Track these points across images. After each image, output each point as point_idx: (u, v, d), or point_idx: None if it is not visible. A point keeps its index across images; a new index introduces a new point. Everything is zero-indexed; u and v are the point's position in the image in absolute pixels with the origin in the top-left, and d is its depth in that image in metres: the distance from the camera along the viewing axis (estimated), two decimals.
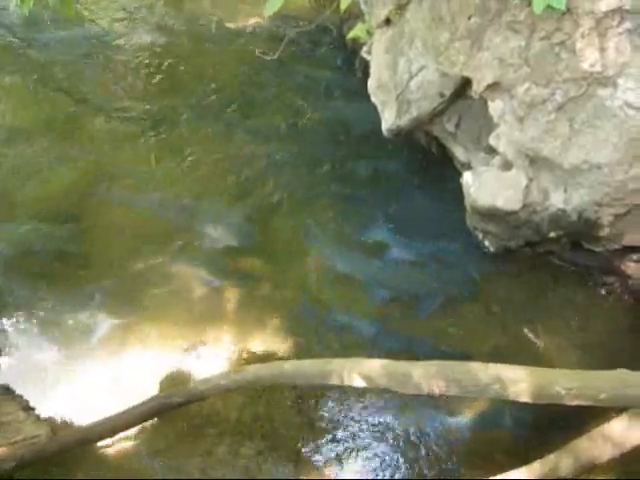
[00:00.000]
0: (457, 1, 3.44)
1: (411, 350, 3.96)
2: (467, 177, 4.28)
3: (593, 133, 3.44)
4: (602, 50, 3.14)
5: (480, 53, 3.48)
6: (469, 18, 3.42)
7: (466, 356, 3.83)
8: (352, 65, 5.76)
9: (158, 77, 5.98)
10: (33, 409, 2.79)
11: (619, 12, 3.02)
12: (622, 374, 2.58)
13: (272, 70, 5.88)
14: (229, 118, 5.56)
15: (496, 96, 3.66)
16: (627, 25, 3.06)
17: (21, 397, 2.89)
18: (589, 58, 3.18)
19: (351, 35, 5.14)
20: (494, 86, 3.60)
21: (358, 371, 3.08)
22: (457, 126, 4.40)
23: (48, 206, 4.83)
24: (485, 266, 4.46)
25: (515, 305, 4.24)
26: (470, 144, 4.44)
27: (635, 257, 4.21)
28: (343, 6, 3.93)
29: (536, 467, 2.94)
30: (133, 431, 3.61)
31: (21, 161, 5.18)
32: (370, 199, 4.83)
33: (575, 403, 2.61)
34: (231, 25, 6.57)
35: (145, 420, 3.62)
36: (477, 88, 3.62)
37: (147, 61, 6.17)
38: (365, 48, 5.18)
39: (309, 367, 3.36)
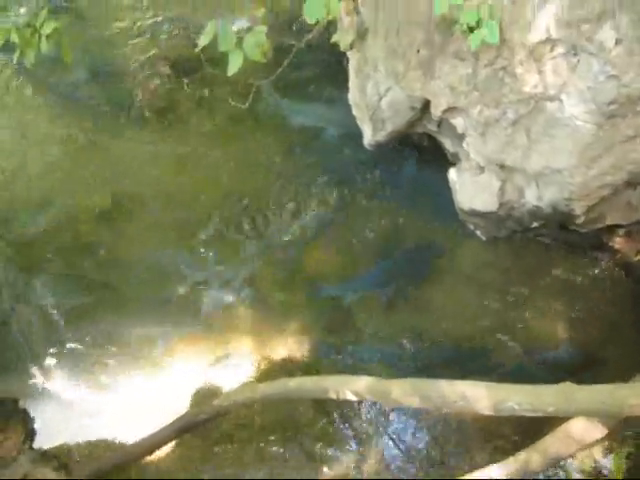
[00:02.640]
0: (405, 35, 3.60)
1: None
2: (452, 174, 4.50)
3: (550, 142, 3.61)
4: (541, 73, 3.28)
5: (433, 81, 3.65)
6: (418, 51, 3.59)
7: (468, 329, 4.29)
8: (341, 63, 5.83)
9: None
10: (66, 466, 3.22)
11: (549, 41, 3.16)
12: (567, 388, 2.86)
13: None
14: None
15: (455, 115, 3.84)
16: (560, 50, 3.18)
17: (56, 458, 3.32)
18: (530, 81, 3.34)
19: (334, 39, 5.28)
20: (450, 109, 3.78)
21: (348, 388, 3.47)
22: (439, 126, 4.56)
23: None
24: (481, 251, 4.73)
25: (512, 283, 4.52)
26: (455, 139, 4.61)
27: (621, 232, 4.40)
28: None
29: (510, 462, 3.30)
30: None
31: None
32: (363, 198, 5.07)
33: (529, 415, 2.93)
34: None
35: (178, 436, 4.13)
36: (435, 112, 3.81)
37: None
38: None
39: (309, 384, 3.78)
